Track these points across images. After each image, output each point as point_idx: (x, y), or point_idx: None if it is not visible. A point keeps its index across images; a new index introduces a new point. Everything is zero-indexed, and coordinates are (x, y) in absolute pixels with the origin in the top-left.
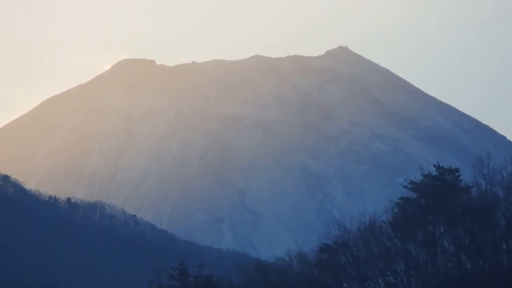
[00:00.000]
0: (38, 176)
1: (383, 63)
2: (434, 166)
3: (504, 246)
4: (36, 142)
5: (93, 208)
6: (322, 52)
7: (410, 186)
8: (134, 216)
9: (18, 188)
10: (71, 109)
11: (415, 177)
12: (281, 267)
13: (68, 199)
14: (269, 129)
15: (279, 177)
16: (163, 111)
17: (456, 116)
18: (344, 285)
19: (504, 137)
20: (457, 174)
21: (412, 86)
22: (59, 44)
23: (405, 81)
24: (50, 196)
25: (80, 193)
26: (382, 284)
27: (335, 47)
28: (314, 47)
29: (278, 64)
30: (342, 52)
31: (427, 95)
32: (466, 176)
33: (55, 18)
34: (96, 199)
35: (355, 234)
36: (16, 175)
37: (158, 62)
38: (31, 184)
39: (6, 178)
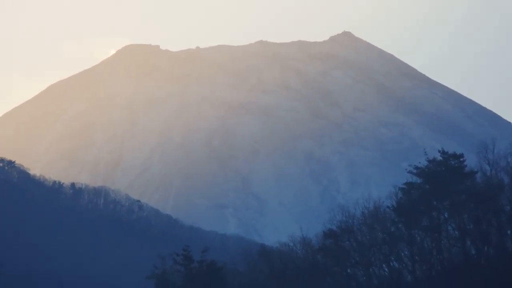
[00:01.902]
0: (42, 162)
1: (387, 49)
2: (439, 151)
3: (509, 232)
4: (40, 128)
5: (98, 193)
6: (326, 38)
7: (414, 171)
8: (139, 201)
9: (23, 174)
10: (75, 95)
11: (419, 163)
12: (285, 252)
13: (73, 185)
14: (273, 115)
15: (284, 163)
16: (167, 97)
17: (461, 102)
18: (349, 270)
19: (509, 123)
20: (461, 159)
21: (416, 71)
22: (63, 29)
23: (410, 66)
24: (55, 182)
25: (84, 180)
26: (386, 269)
27: (339, 32)
28: (318, 32)
29: (282, 50)
30: (346, 38)
31: (431, 80)
32: (471, 161)
33: (59, 4)
34: (101, 185)
35: (359, 219)
36: (21, 160)
37: (162, 47)
38: (35, 170)
39: (11, 163)
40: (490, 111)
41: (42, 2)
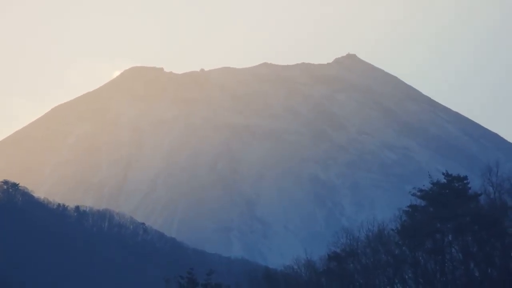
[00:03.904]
0: (47, 185)
1: (391, 71)
2: (443, 174)
3: None
4: (45, 151)
5: (102, 216)
6: (330, 60)
7: (418, 194)
8: (143, 224)
9: (27, 197)
10: (80, 117)
11: (424, 185)
12: (290, 275)
13: (77, 208)
14: (278, 139)
15: (288, 186)
16: (172, 120)
17: (465, 125)
18: None
19: None
20: (465, 182)
21: (421, 94)
22: (67, 51)
23: (414, 89)
24: (59, 205)
25: (89, 203)
26: None
27: (344, 54)
28: (323, 55)
29: (287, 72)
30: (351, 60)
31: (436, 103)
32: (475, 184)
33: (63, 26)
34: (105, 208)
35: (364, 242)
36: (25, 183)
37: (166, 69)
38: (40, 192)
39: (15, 186)
40: (495, 134)
41: (46, 24)
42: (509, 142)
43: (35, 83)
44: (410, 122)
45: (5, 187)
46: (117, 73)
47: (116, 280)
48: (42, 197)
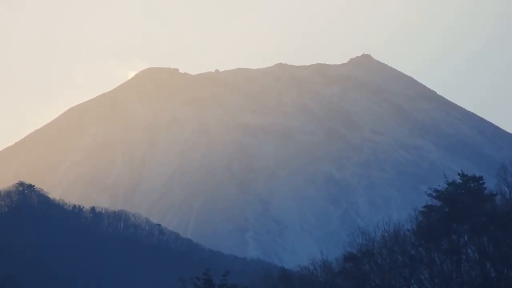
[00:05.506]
0: (62, 186)
1: (406, 71)
2: (459, 174)
3: None
4: (59, 152)
5: (118, 217)
6: (345, 60)
7: (434, 194)
8: (159, 225)
9: (43, 198)
10: (94, 118)
11: (439, 185)
12: (305, 275)
13: (93, 209)
14: (292, 138)
15: (303, 185)
16: (186, 120)
17: (480, 124)
18: None
19: None
20: (481, 182)
21: (435, 94)
22: (82, 53)
23: (429, 89)
24: (75, 206)
25: (104, 203)
26: None
27: (359, 55)
28: (338, 55)
29: (301, 73)
30: (366, 60)
31: (450, 103)
32: (490, 184)
33: (78, 27)
34: (120, 208)
35: (380, 242)
36: (40, 184)
37: (181, 70)
38: (55, 193)
39: (30, 187)
40: (510, 134)
41: (60, 25)
42: None
43: (50, 85)
44: (424, 122)
45: (20, 188)
46: (132, 74)
47: (132, 281)
48: (58, 198)
